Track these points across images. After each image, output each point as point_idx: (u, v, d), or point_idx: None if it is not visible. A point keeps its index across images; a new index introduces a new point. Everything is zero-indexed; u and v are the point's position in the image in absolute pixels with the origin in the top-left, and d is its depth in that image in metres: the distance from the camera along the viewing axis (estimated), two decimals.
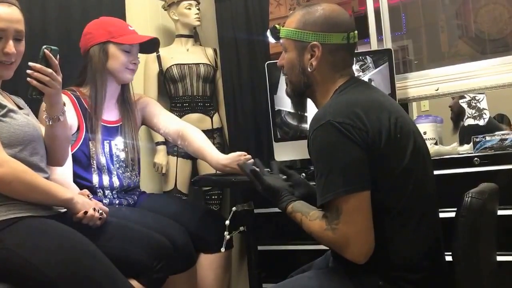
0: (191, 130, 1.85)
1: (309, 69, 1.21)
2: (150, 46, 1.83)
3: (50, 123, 1.42)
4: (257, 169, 1.27)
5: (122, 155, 1.80)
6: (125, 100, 1.84)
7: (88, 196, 1.50)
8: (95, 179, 1.72)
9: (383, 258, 1.10)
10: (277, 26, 1.27)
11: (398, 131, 1.10)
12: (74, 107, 1.72)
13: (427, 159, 1.18)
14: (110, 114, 1.81)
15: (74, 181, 1.66)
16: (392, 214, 1.09)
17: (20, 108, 1.48)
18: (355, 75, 1.28)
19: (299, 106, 1.31)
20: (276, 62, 2.27)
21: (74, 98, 1.74)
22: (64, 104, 1.45)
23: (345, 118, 1.07)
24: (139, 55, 1.83)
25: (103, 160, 1.74)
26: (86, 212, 1.41)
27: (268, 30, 1.29)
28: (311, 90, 1.24)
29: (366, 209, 1.05)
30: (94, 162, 1.72)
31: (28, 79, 1.32)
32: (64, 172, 1.61)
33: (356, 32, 1.22)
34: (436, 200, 1.18)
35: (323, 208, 1.10)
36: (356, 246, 1.04)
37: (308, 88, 1.24)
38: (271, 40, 1.29)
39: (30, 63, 1.32)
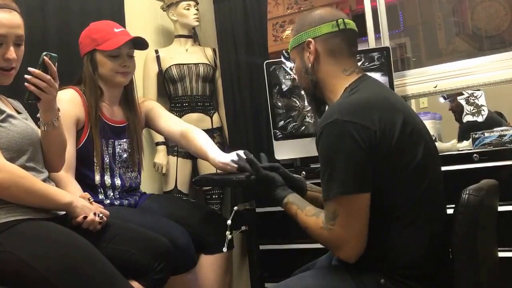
0: (194, 131, 1.86)
1: (309, 65, 1.24)
2: (142, 42, 1.81)
3: (45, 128, 1.42)
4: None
5: (125, 156, 1.80)
6: (129, 102, 1.84)
7: (89, 200, 1.49)
8: (97, 177, 1.73)
9: (386, 256, 1.10)
10: (288, 50, 1.35)
11: (409, 131, 1.11)
12: (83, 104, 1.73)
13: (436, 157, 1.19)
14: (116, 115, 1.82)
15: (76, 178, 1.67)
16: (398, 213, 1.10)
17: (19, 113, 1.49)
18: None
19: (319, 112, 1.33)
20: (275, 61, 2.33)
21: (84, 95, 1.75)
22: (59, 110, 1.45)
23: (353, 117, 1.08)
24: (138, 54, 1.83)
25: (106, 159, 1.75)
26: (86, 217, 1.41)
27: (282, 57, 1.38)
28: (319, 87, 1.26)
29: (363, 213, 1.07)
30: (97, 160, 1.73)
31: (26, 84, 1.32)
32: (67, 169, 1.61)
33: (346, 20, 1.24)
34: (444, 200, 1.19)
35: (323, 204, 1.12)
36: (349, 248, 1.08)
37: (316, 87, 1.26)
38: (289, 64, 1.38)
39: (30, 68, 1.32)
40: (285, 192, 1.24)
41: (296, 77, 1.34)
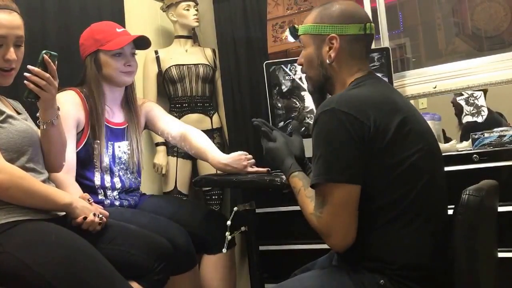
0: (194, 132, 1.86)
1: (327, 61, 1.23)
2: (144, 42, 1.82)
3: (44, 127, 1.42)
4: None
5: (125, 157, 1.80)
6: (129, 103, 1.85)
7: (89, 200, 1.49)
8: (97, 179, 1.73)
9: (386, 257, 1.10)
10: (296, 25, 1.31)
11: (406, 131, 1.11)
12: (83, 106, 1.73)
13: (437, 158, 1.19)
14: (116, 116, 1.83)
15: (76, 180, 1.67)
16: (396, 212, 1.10)
17: (19, 113, 1.48)
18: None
19: (321, 102, 1.33)
20: (274, 61, 2.33)
21: (84, 97, 1.75)
22: (58, 109, 1.45)
23: (349, 108, 1.08)
24: (138, 55, 1.83)
25: (106, 161, 1.74)
26: (85, 218, 1.41)
27: (287, 30, 1.34)
28: (330, 82, 1.26)
29: (351, 204, 1.08)
30: (97, 162, 1.73)
31: (26, 82, 1.33)
32: (67, 170, 1.61)
33: (372, 24, 1.24)
34: (445, 201, 1.19)
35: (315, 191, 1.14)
36: (336, 238, 1.09)
37: (327, 81, 1.26)
38: (290, 39, 1.33)
39: (29, 66, 1.32)
40: (296, 166, 1.25)
41: (302, 62, 1.29)
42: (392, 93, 1.22)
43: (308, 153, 1.22)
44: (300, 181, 1.20)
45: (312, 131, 1.14)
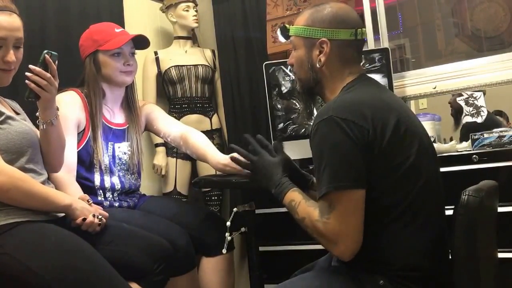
0: (193, 133, 1.86)
1: (317, 65, 1.23)
2: (143, 41, 1.82)
3: (44, 127, 1.43)
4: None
5: (125, 158, 1.81)
6: (130, 104, 1.85)
7: (88, 201, 1.49)
8: (96, 179, 1.73)
9: (385, 258, 1.10)
10: (286, 25, 1.30)
11: (403, 131, 1.11)
12: (83, 106, 1.74)
13: (432, 160, 1.19)
14: (117, 117, 1.83)
15: (76, 180, 1.67)
16: (396, 213, 1.10)
17: (17, 114, 1.49)
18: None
19: (309, 103, 1.33)
20: (274, 62, 2.33)
21: (85, 97, 1.75)
22: (58, 109, 1.45)
23: (347, 114, 1.08)
24: (137, 55, 1.83)
25: (106, 161, 1.75)
26: (85, 219, 1.41)
27: (278, 29, 1.33)
28: (320, 86, 1.26)
29: (359, 209, 1.07)
30: (97, 162, 1.73)
31: (27, 81, 1.33)
32: (68, 170, 1.61)
33: (364, 29, 1.24)
34: (443, 200, 1.19)
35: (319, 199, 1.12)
36: (344, 245, 1.06)
37: (317, 84, 1.26)
38: (281, 39, 1.33)
39: (30, 66, 1.33)
40: (289, 182, 1.22)
41: (293, 63, 1.29)
42: (384, 94, 1.22)
43: (307, 154, 1.21)
44: (300, 194, 1.18)
45: (311, 141, 1.13)
